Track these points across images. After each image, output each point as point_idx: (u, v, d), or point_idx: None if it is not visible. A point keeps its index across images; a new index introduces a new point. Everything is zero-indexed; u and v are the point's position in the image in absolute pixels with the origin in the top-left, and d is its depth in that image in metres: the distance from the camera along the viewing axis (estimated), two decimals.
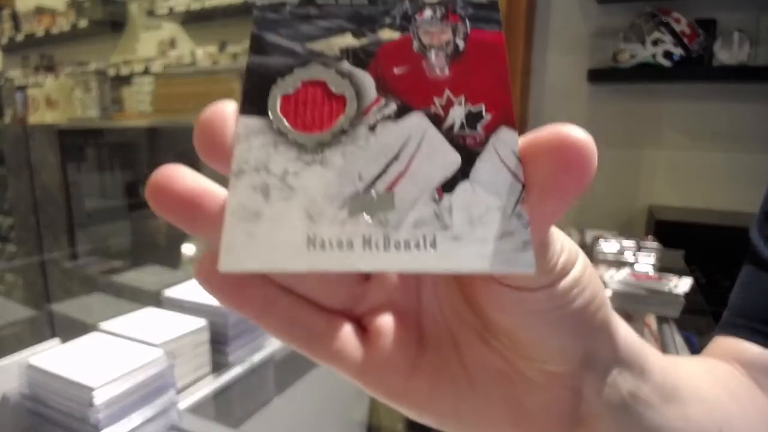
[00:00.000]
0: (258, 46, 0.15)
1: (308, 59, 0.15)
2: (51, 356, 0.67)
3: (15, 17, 3.85)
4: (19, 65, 4.07)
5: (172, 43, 3.38)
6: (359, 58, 0.15)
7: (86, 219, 1.94)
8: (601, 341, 0.19)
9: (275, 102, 0.14)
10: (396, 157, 0.14)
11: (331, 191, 0.13)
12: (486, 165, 0.14)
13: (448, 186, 0.13)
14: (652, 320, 0.94)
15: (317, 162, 0.14)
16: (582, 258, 0.17)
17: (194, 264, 0.17)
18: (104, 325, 0.79)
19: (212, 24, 3.12)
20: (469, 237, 0.13)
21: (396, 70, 0.15)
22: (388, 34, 0.15)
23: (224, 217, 0.13)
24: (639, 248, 1.24)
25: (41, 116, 2.09)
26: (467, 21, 0.15)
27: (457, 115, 0.14)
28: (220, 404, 0.82)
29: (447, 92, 0.14)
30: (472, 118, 0.14)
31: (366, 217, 0.13)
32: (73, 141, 1.90)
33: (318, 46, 0.15)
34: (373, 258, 0.13)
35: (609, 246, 1.24)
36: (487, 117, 0.14)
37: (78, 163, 2.00)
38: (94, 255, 1.85)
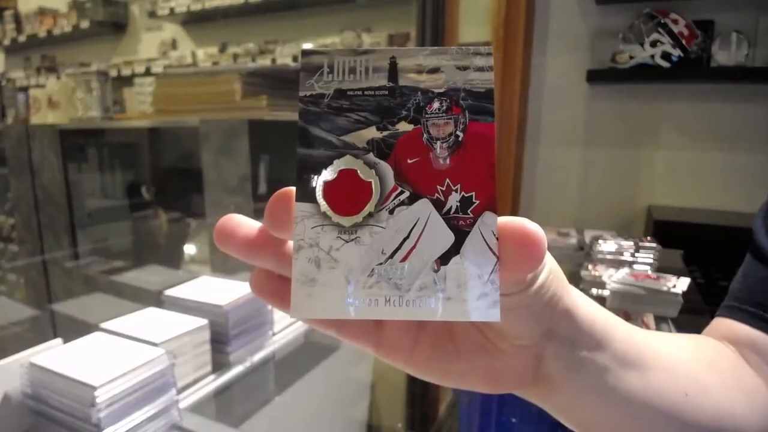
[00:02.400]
0: (305, 139, 0.19)
1: (343, 151, 0.19)
2: (53, 355, 0.67)
3: (17, 18, 3.86)
4: (21, 66, 4.08)
5: (173, 44, 3.39)
6: (382, 150, 0.19)
7: (87, 219, 1.95)
8: (560, 320, 0.23)
9: (320, 188, 0.19)
10: (408, 236, 0.19)
11: (363, 263, 0.19)
12: (472, 242, 0.18)
13: (444, 258, 0.18)
14: (650, 319, 0.94)
15: (353, 240, 0.19)
16: (548, 266, 0.21)
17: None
18: (106, 324, 0.79)
19: (213, 25, 3.13)
20: (456, 297, 0.18)
21: (409, 161, 0.19)
22: (404, 127, 0.20)
23: (292, 281, 0.18)
24: (638, 248, 1.24)
25: (43, 117, 2.09)
26: (467, 113, 0.19)
27: (453, 200, 0.19)
28: (220, 403, 0.82)
29: (447, 181, 0.19)
30: (465, 203, 0.19)
31: (386, 283, 0.18)
32: (75, 141, 1.90)
33: (350, 138, 0.19)
34: (391, 311, 0.18)
35: (608, 246, 1.24)
36: (476, 203, 0.19)
37: (79, 163, 2.00)
38: (95, 255, 1.85)
